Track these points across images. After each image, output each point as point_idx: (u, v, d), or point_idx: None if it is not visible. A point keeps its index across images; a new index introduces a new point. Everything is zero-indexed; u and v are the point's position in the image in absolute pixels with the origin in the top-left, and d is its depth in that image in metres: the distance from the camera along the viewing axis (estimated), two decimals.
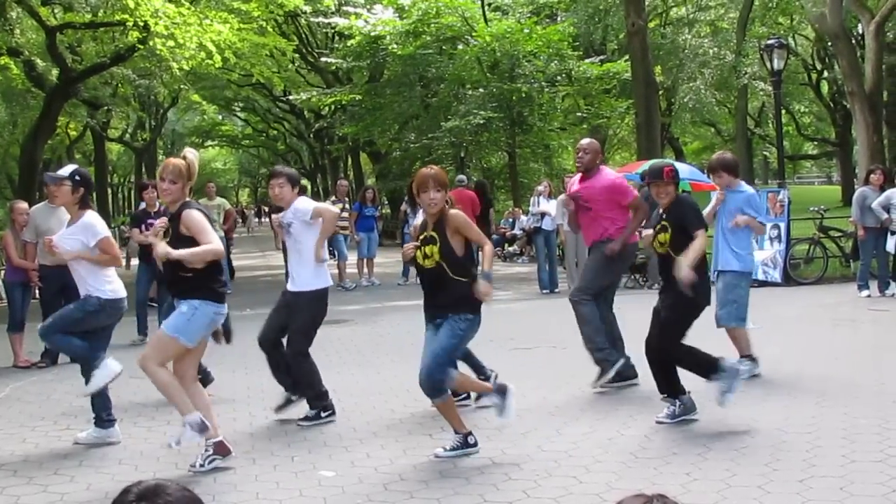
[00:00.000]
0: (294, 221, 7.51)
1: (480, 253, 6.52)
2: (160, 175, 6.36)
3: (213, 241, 6.20)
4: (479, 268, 6.41)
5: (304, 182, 68.56)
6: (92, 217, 7.01)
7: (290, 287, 7.56)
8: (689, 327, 7.05)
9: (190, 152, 6.43)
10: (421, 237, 6.40)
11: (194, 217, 6.22)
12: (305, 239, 7.49)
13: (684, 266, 6.77)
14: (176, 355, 6.31)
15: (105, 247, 6.95)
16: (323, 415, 7.46)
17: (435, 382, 6.22)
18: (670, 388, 7.12)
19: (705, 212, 8.13)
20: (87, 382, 6.96)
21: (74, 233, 6.95)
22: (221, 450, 6.30)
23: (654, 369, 7.19)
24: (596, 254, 8.56)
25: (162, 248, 6.10)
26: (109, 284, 7.00)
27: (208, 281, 6.29)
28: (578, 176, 8.87)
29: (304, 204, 7.60)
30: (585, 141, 8.91)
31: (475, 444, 6.38)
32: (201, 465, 6.22)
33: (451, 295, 6.25)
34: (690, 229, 6.97)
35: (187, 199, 6.41)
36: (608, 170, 8.99)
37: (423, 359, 6.26)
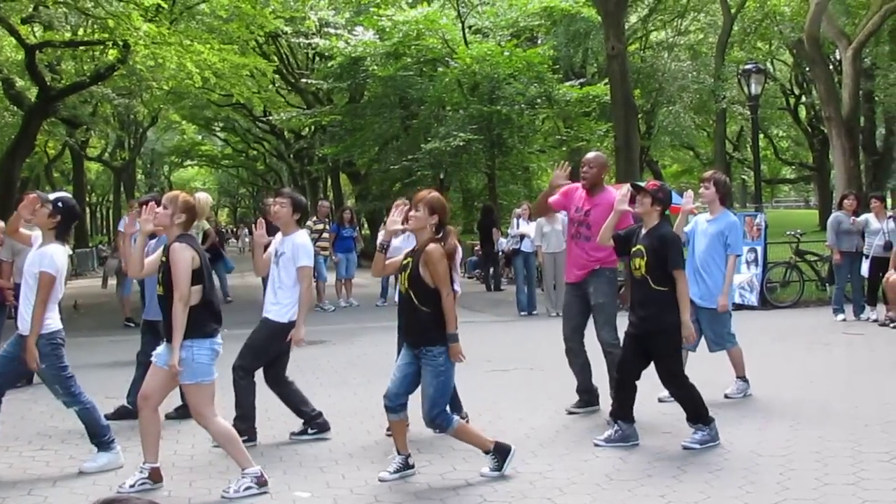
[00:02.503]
0: (286, 253, 7.51)
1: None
2: (163, 203, 6.32)
3: (179, 295, 6.06)
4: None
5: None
6: (54, 249, 6.73)
7: (263, 312, 7.60)
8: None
9: (201, 195, 6.38)
10: (404, 260, 6.46)
11: (174, 256, 6.15)
12: (288, 276, 7.51)
13: (686, 321, 6.91)
14: (211, 394, 6.25)
15: (42, 282, 6.59)
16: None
17: (438, 425, 6.31)
18: (622, 411, 7.15)
19: (675, 225, 8.18)
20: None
21: (34, 258, 6.75)
22: (155, 476, 6.33)
23: (619, 391, 7.21)
24: (604, 287, 8.23)
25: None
26: (49, 319, 6.75)
27: (199, 316, 6.17)
28: (579, 191, 8.39)
29: (304, 249, 7.54)
30: (592, 154, 8.60)
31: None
32: (131, 486, 6.21)
33: (417, 324, 6.30)
34: (670, 266, 6.98)
35: (187, 233, 6.34)
36: (613, 189, 8.56)
37: (422, 405, 6.28)
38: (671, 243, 7.04)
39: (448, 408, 6.36)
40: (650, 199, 7.08)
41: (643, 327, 7.03)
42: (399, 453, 6.46)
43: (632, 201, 7.27)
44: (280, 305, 7.52)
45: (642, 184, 7.28)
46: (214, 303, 6.32)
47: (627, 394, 7.17)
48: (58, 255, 6.71)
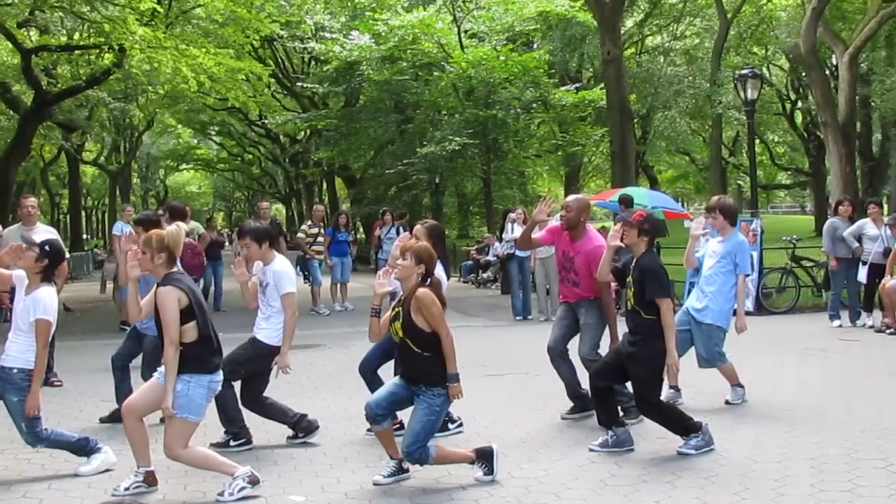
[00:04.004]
0: (270, 282, 7.52)
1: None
2: (142, 246, 6.27)
3: (169, 340, 6.04)
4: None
5: (279, 206, 68.47)
6: (45, 294, 6.69)
7: (254, 330, 7.63)
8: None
9: (175, 228, 6.35)
10: (393, 311, 6.47)
11: (160, 299, 6.10)
12: (275, 303, 7.53)
13: (671, 349, 6.90)
14: (191, 433, 6.18)
15: (40, 328, 6.60)
16: (232, 443, 7.53)
17: (417, 459, 6.26)
18: (609, 418, 7.16)
19: (685, 255, 8.33)
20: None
21: (26, 302, 6.69)
22: (149, 479, 6.34)
23: (599, 400, 7.21)
24: (595, 311, 8.24)
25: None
26: (31, 353, 6.70)
27: (198, 351, 6.13)
28: (558, 227, 8.47)
29: (285, 276, 7.54)
30: (572, 197, 8.59)
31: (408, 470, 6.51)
32: (126, 489, 6.22)
33: (418, 369, 6.29)
34: (648, 295, 6.95)
35: (172, 271, 6.29)
36: (594, 233, 8.52)
37: (405, 434, 6.28)
38: (649, 273, 7.00)
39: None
40: (636, 231, 7.11)
41: (630, 350, 7.05)
42: (392, 458, 6.45)
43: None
44: (270, 329, 7.55)
45: (628, 216, 7.26)
46: (213, 337, 6.23)
47: (606, 401, 7.20)
48: (50, 299, 6.70)
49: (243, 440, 7.52)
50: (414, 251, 6.37)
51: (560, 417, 8.31)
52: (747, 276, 8.94)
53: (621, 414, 7.41)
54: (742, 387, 8.81)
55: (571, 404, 8.39)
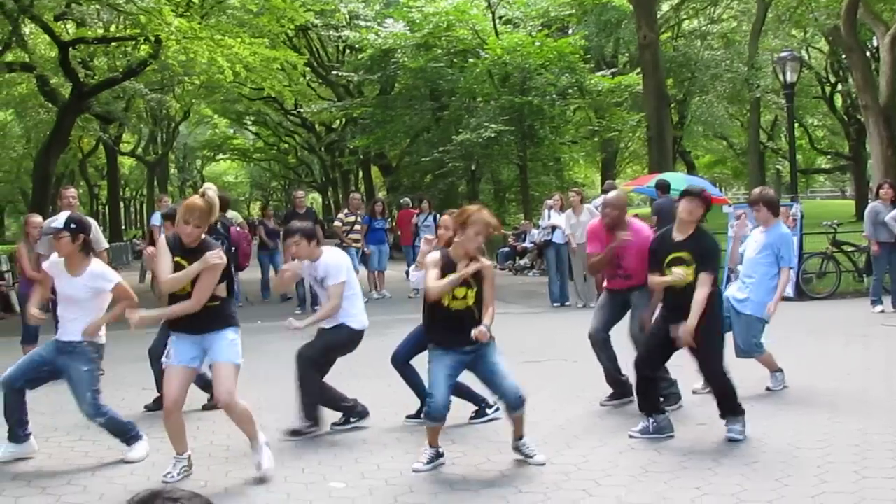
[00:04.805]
0: (326, 277, 7.59)
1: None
2: (183, 218, 6.25)
3: (198, 299, 6.26)
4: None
5: (315, 195, 68.67)
6: (100, 265, 6.94)
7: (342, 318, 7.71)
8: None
9: (210, 190, 6.36)
10: (454, 282, 6.39)
11: (209, 259, 6.24)
12: (347, 291, 7.66)
13: (690, 328, 6.82)
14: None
15: (120, 292, 6.88)
16: (352, 419, 7.76)
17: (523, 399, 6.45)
18: (652, 406, 7.13)
19: (729, 254, 8.52)
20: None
21: (86, 282, 6.80)
22: (190, 465, 6.50)
23: (643, 388, 7.17)
24: (646, 297, 8.09)
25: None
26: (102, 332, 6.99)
27: (231, 307, 6.50)
28: (600, 227, 8.43)
29: (333, 268, 7.60)
30: (612, 195, 8.57)
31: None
32: (175, 476, 6.31)
33: (472, 327, 6.33)
34: (708, 268, 6.93)
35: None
36: (636, 223, 8.46)
37: (509, 378, 6.44)
38: (713, 244, 7.16)
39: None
40: (703, 209, 7.08)
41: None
42: (431, 446, 6.47)
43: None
44: (358, 314, 7.77)
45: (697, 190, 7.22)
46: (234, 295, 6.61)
47: (651, 388, 7.17)
48: (106, 267, 7.03)
49: (357, 415, 7.75)
50: (477, 226, 6.36)
51: (599, 404, 8.28)
52: (791, 269, 8.85)
53: (661, 401, 7.38)
54: (781, 371, 8.74)
55: (610, 391, 8.36)
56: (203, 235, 6.37)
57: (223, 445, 7.30)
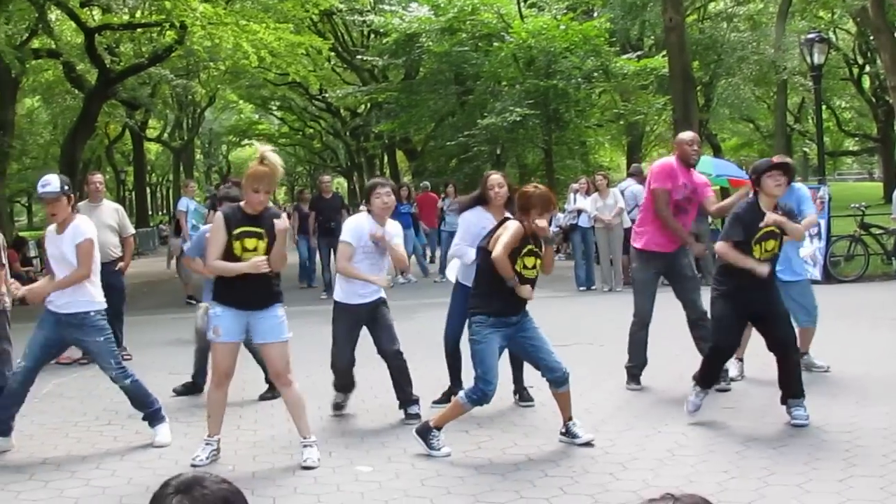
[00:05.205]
0: (393, 236, 7.42)
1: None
2: (252, 187, 6.19)
3: (280, 267, 6.41)
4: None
5: (341, 180, 68.77)
6: (83, 220, 7.04)
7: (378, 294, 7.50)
8: None
9: (269, 153, 6.26)
10: (527, 248, 6.49)
11: (282, 226, 6.27)
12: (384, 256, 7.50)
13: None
14: None
15: (81, 252, 6.80)
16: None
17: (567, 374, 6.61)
18: (714, 380, 7.13)
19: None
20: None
21: (70, 235, 6.86)
22: (218, 447, 6.55)
23: (720, 365, 7.18)
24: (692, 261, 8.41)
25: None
26: (96, 289, 6.99)
27: (277, 283, 6.49)
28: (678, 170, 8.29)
29: (395, 228, 7.49)
30: (692, 134, 8.60)
31: None
32: (205, 460, 6.35)
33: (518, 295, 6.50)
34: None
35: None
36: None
37: (548, 359, 6.61)
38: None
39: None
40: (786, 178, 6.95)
41: (769, 293, 6.96)
42: (438, 429, 6.51)
43: None
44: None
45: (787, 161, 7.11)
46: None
47: (719, 365, 7.23)
48: (85, 222, 6.99)
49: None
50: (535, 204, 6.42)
51: (626, 387, 8.27)
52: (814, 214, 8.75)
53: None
54: (808, 354, 8.69)
55: (631, 375, 8.36)
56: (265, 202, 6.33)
57: (250, 430, 7.34)
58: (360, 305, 7.39)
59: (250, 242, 6.20)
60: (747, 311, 6.95)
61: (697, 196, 8.23)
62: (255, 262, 6.15)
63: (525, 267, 6.46)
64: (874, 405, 7.28)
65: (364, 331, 7.52)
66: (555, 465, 6.09)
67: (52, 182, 6.89)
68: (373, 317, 7.45)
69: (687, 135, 8.51)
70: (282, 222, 6.26)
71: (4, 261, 8.00)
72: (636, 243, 8.46)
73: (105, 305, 7.00)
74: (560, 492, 5.57)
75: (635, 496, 5.41)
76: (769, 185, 6.81)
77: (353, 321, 7.45)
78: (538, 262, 6.55)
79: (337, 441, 6.87)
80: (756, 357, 8.68)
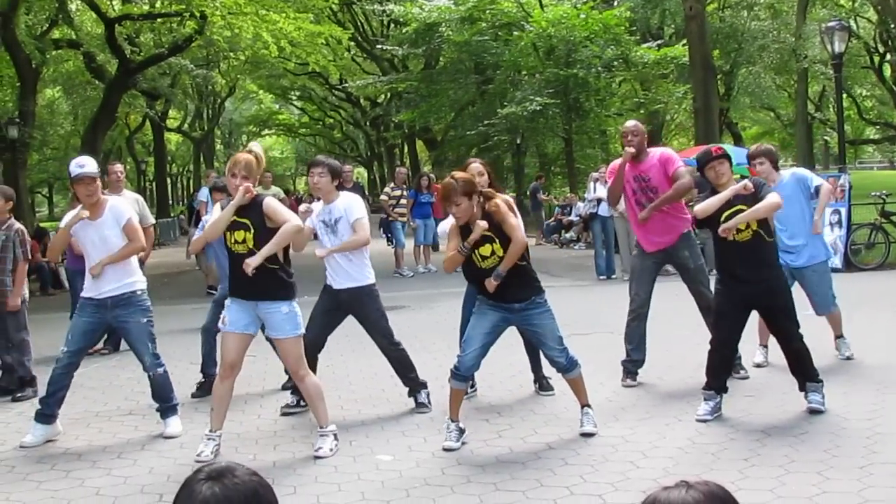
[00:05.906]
0: (343, 216, 7.26)
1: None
2: (230, 171, 6.22)
3: (291, 219, 6.19)
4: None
5: (361, 170, 68.85)
6: (116, 201, 7.18)
7: (351, 283, 7.37)
8: None
9: (255, 146, 6.38)
10: (472, 241, 6.25)
11: (272, 204, 6.20)
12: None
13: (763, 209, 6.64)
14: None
15: (129, 232, 6.99)
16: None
17: (572, 359, 6.46)
18: (723, 384, 6.95)
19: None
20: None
21: (110, 216, 6.93)
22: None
23: (722, 366, 6.99)
24: (696, 250, 8.21)
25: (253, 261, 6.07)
26: (136, 270, 7.14)
27: (288, 276, 6.33)
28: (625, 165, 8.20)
29: (359, 205, 7.37)
30: (631, 123, 8.35)
31: None
32: (211, 454, 6.23)
33: (522, 282, 6.37)
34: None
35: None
36: (653, 150, 8.38)
37: (550, 351, 6.49)
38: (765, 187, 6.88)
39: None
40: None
41: (766, 287, 6.81)
42: (453, 421, 6.45)
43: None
44: (366, 268, 7.41)
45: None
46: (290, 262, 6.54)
47: (729, 368, 7.12)
48: (123, 203, 7.16)
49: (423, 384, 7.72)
50: (456, 192, 6.19)
51: (620, 384, 8.25)
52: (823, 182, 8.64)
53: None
54: (845, 338, 8.67)
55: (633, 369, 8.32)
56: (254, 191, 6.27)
57: (270, 419, 7.38)
58: (339, 291, 7.36)
59: (239, 235, 6.20)
60: (746, 303, 6.89)
61: (655, 182, 7.97)
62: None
63: (482, 258, 6.28)
64: (895, 392, 7.25)
65: (397, 321, 7.57)
66: (575, 454, 6.09)
67: (88, 163, 6.95)
68: (357, 310, 7.43)
69: (626, 125, 8.35)
70: (270, 200, 6.23)
71: (28, 255, 8.05)
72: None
73: (146, 283, 7.07)
74: (580, 480, 5.58)
75: (655, 484, 5.37)
76: (711, 177, 6.87)
77: (331, 303, 7.41)
78: (495, 246, 6.22)
79: (357, 430, 6.89)
80: (777, 345, 8.67)
